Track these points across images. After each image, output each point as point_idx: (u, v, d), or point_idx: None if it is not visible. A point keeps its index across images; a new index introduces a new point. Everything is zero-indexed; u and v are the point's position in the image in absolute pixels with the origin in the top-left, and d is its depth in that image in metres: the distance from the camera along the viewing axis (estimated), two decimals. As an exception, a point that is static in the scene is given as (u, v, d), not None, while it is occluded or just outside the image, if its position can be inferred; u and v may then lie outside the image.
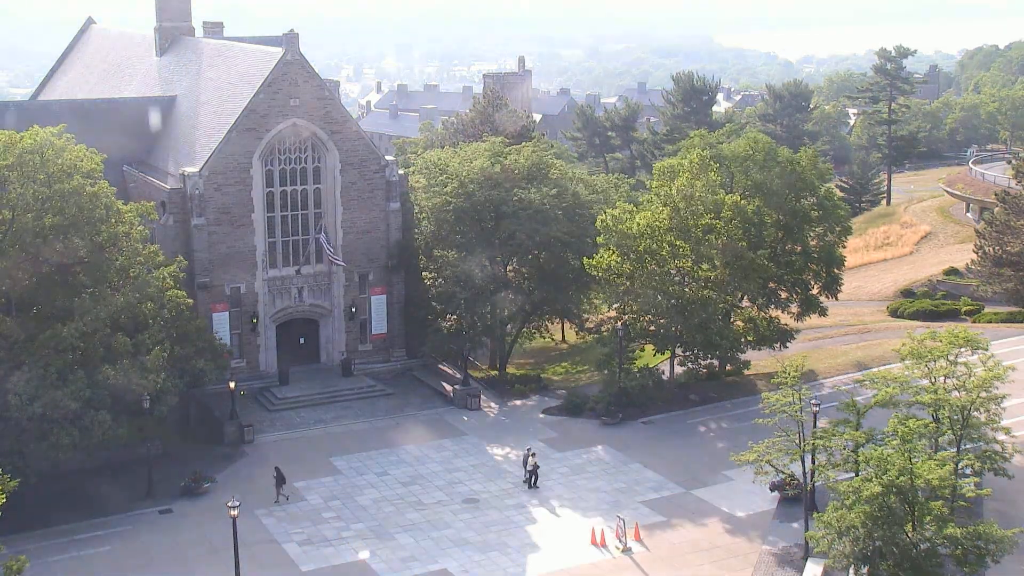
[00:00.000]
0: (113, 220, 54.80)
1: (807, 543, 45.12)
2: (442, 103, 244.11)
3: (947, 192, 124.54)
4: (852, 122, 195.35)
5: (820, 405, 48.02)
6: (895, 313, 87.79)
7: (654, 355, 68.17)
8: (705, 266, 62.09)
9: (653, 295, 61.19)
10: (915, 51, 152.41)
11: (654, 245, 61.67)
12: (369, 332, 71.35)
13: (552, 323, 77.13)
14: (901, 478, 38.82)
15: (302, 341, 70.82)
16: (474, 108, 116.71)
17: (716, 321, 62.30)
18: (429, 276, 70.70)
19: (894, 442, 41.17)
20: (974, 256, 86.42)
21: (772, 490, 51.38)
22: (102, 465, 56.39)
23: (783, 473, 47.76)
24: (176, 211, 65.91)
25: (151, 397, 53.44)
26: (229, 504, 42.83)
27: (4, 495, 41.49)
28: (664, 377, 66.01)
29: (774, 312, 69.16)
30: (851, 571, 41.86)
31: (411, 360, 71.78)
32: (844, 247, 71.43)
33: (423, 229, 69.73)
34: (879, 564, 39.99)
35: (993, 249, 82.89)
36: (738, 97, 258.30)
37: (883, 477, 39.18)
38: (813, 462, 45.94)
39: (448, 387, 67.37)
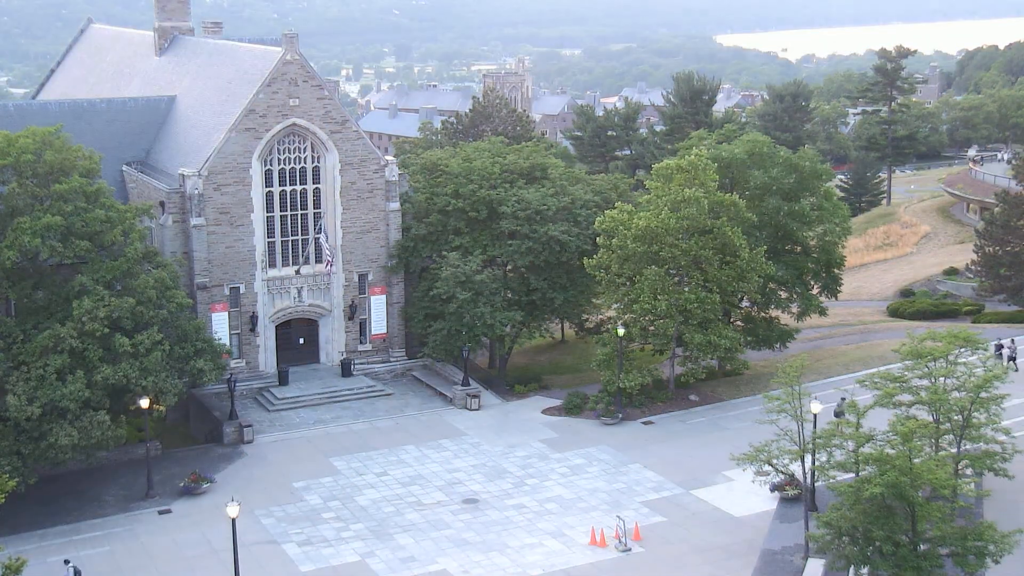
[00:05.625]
0: (112, 220, 54.74)
1: (807, 543, 45.08)
2: (442, 103, 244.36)
3: (947, 192, 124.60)
4: (852, 122, 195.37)
5: (821, 405, 47.99)
6: (895, 313, 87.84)
7: (654, 355, 68.12)
8: (704, 267, 62.02)
9: (652, 295, 61.15)
10: (915, 51, 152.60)
11: (653, 246, 61.62)
12: (369, 332, 71.31)
13: (552, 323, 77.10)
14: (901, 478, 38.78)
15: (301, 341, 70.80)
16: (474, 108, 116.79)
17: (715, 321, 62.27)
18: (429, 276, 70.56)
19: (895, 442, 41.14)
20: (974, 256, 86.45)
21: (772, 490, 51.34)
22: (102, 465, 56.37)
23: (783, 473, 47.70)
24: (175, 211, 65.84)
25: (150, 397, 53.40)
26: (229, 504, 42.79)
27: (3, 495, 41.49)
28: (664, 377, 65.98)
29: (774, 312, 69.19)
30: (851, 571, 41.83)
31: (411, 360, 71.74)
32: (844, 247, 71.40)
33: (423, 229, 69.66)
34: (879, 564, 39.96)
35: (993, 249, 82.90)
36: (738, 97, 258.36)
37: (883, 477, 39.16)
38: (813, 462, 45.92)
39: (448, 387, 67.33)
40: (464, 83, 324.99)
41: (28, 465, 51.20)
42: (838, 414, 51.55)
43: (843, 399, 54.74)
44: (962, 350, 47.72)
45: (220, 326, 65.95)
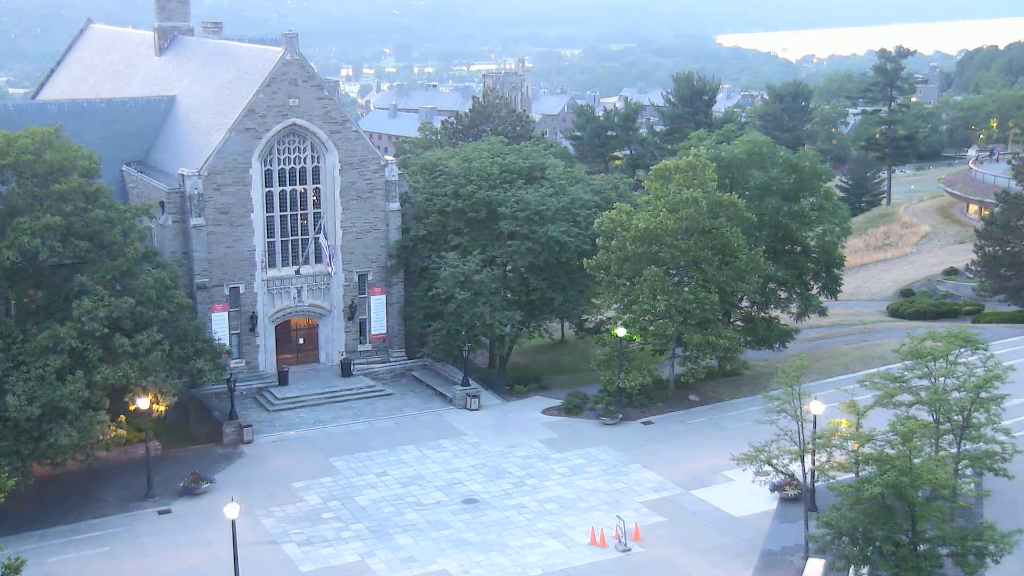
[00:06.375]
0: (112, 220, 54.71)
1: (807, 543, 45.07)
2: (441, 103, 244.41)
3: (947, 192, 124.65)
4: (852, 122, 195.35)
5: (821, 405, 47.95)
6: (895, 313, 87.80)
7: (653, 355, 68.10)
8: (703, 267, 61.98)
9: (652, 295, 61.12)
10: (915, 51, 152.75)
11: (653, 247, 61.58)
12: (368, 332, 71.28)
13: (552, 323, 77.03)
14: (901, 478, 38.76)
15: (300, 341, 70.83)
16: (474, 108, 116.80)
17: (715, 322, 62.24)
18: (428, 276, 70.57)
19: (895, 442, 41.12)
20: (974, 256, 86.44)
21: (772, 490, 51.31)
22: (102, 465, 56.33)
23: (783, 473, 47.67)
24: (175, 211, 65.80)
25: (150, 397, 53.36)
26: (228, 504, 42.77)
27: (3, 495, 41.49)
28: (664, 377, 65.94)
29: (774, 312, 69.16)
30: (851, 571, 41.82)
31: (410, 360, 71.71)
32: (844, 247, 71.39)
33: (422, 229, 69.66)
34: (879, 564, 39.94)
35: (993, 249, 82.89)
36: (738, 97, 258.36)
37: (883, 477, 39.14)
38: (813, 462, 45.91)
39: (448, 387, 67.30)
40: (464, 83, 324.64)
41: (28, 465, 51.18)
42: None
43: None
44: (962, 350, 47.69)
45: (220, 326, 65.91)
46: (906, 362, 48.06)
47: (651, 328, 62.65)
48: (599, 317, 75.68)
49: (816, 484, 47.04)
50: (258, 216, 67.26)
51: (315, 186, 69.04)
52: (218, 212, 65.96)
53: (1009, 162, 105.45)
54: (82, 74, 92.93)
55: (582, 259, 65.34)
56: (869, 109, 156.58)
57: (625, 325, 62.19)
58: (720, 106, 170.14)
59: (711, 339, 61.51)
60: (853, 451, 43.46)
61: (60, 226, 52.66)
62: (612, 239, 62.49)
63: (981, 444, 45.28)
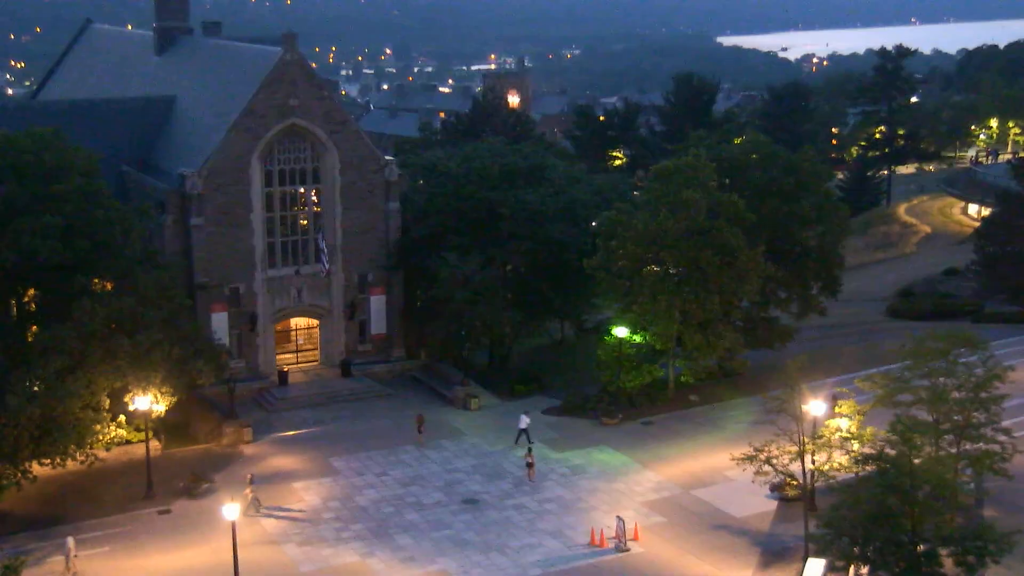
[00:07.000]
0: (112, 220, 54.71)
1: (807, 543, 45.06)
2: (441, 103, 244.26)
3: (947, 192, 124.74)
4: (852, 122, 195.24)
5: (822, 405, 47.94)
6: (895, 313, 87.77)
7: (653, 355, 68.05)
8: (703, 267, 61.96)
9: (652, 296, 61.10)
10: (915, 51, 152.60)
11: (652, 247, 61.56)
12: (368, 332, 71.28)
13: (551, 322, 77.00)
14: (901, 478, 38.76)
15: (300, 341, 70.82)
16: (473, 108, 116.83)
17: (715, 322, 62.21)
18: (428, 276, 70.55)
19: (895, 442, 41.13)
20: (974, 256, 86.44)
21: (772, 490, 51.30)
22: (101, 465, 56.26)
23: (783, 473, 47.69)
24: (175, 211, 65.81)
25: (150, 397, 53.37)
26: (227, 505, 42.77)
27: (2, 495, 41.50)
28: (664, 377, 65.92)
29: (774, 312, 69.14)
30: (851, 571, 41.82)
31: (410, 360, 71.73)
32: (844, 247, 71.39)
33: (422, 230, 69.64)
34: (879, 564, 39.94)
35: (993, 249, 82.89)
36: (738, 97, 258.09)
37: (883, 477, 39.14)
38: (813, 462, 45.90)
39: (447, 387, 67.30)
40: (464, 83, 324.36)
41: (28, 465, 51.15)
42: None
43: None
44: (962, 350, 47.68)
45: (220, 326, 65.92)
46: (906, 362, 48.05)
47: (651, 328, 62.63)
48: (599, 317, 75.66)
49: (816, 484, 47.04)
50: (258, 216, 67.27)
51: (315, 186, 69.03)
52: (218, 212, 65.95)
53: (1009, 162, 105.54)
54: (82, 74, 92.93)
55: (582, 259, 65.33)
56: (869, 109, 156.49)
57: (625, 325, 62.14)
58: (720, 106, 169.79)
59: (711, 339, 61.49)
60: (853, 452, 43.45)
61: (60, 226, 52.64)
62: (612, 239, 62.47)
63: (981, 444, 45.26)
